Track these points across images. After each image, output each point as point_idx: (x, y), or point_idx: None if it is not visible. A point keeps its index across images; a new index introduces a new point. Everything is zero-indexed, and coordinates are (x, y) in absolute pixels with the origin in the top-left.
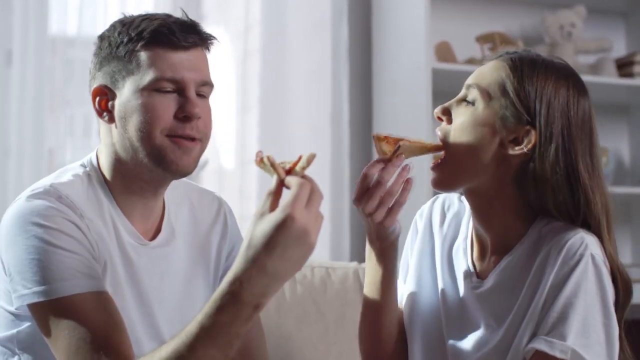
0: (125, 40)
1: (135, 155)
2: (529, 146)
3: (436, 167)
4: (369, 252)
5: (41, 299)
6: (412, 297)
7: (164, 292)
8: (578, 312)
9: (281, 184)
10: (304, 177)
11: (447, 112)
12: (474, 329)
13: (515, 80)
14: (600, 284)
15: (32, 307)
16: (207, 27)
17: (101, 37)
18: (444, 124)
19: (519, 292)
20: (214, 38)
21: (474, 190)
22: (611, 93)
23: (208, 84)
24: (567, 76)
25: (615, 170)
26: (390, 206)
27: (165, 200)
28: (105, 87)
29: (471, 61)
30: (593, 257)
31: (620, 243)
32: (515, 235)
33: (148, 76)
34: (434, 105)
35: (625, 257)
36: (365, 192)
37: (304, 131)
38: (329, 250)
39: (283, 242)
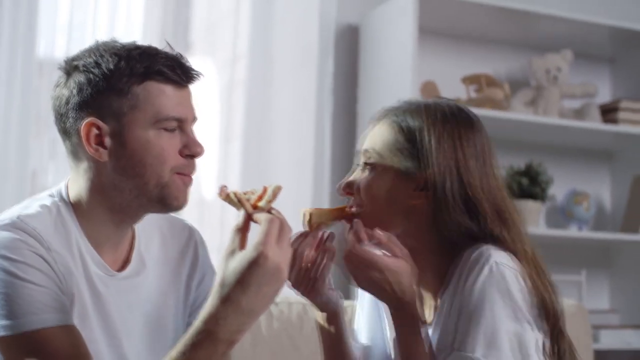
0: (127, 73)
1: (133, 189)
2: (433, 188)
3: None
4: (318, 318)
5: (8, 333)
6: (366, 352)
7: (133, 324)
8: (485, 322)
9: (249, 219)
10: (270, 210)
11: (351, 185)
12: None
13: (403, 134)
14: (507, 291)
15: None
16: (194, 57)
17: (85, 66)
18: (352, 198)
19: (446, 317)
20: (202, 75)
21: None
22: (595, 138)
23: (195, 119)
24: (452, 114)
25: (596, 215)
26: (313, 277)
27: (134, 229)
28: (101, 121)
29: (457, 102)
30: (497, 264)
31: (599, 289)
32: (445, 274)
33: (154, 114)
34: None
35: (602, 302)
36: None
37: (286, 164)
38: None
39: (257, 280)
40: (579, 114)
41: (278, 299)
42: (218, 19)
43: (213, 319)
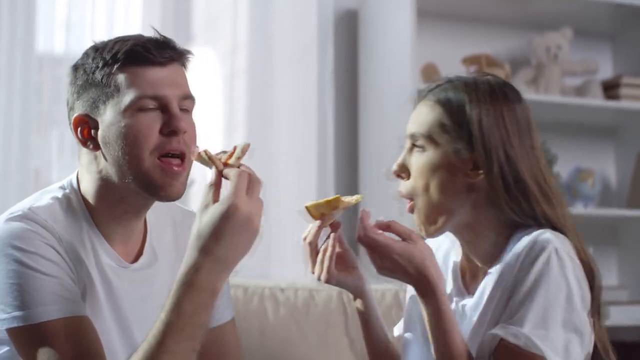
0: (101, 64)
1: (123, 180)
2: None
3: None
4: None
5: (20, 324)
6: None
7: (145, 315)
8: (538, 302)
9: (220, 175)
10: (239, 167)
11: (403, 168)
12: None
13: (449, 114)
14: (564, 278)
15: (11, 331)
16: (195, 48)
17: (75, 67)
18: (403, 182)
19: (492, 292)
20: (190, 52)
21: (459, 227)
22: (597, 115)
23: (189, 98)
24: (493, 90)
25: (601, 192)
26: (322, 263)
27: (147, 221)
28: (86, 115)
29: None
30: (556, 250)
31: (607, 265)
32: (500, 250)
33: (129, 96)
34: None
35: (611, 278)
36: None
37: (289, 151)
38: None
39: (229, 230)
40: (581, 91)
41: (284, 284)
42: (218, 9)
43: (192, 269)
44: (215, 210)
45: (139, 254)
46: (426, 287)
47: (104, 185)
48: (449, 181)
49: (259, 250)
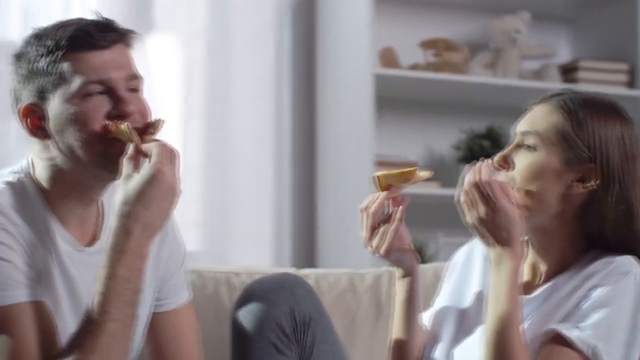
0: (44, 53)
1: (77, 163)
2: (597, 182)
3: None
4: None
5: None
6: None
7: None
8: (606, 317)
9: (138, 150)
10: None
11: (506, 160)
12: None
13: (573, 123)
14: (637, 304)
15: None
16: (156, 35)
17: (18, 56)
18: (503, 172)
19: (556, 295)
20: (133, 32)
21: (535, 229)
22: None
23: (136, 77)
24: (615, 111)
25: None
26: (384, 236)
27: (103, 206)
28: (34, 104)
29: (415, 67)
30: (636, 276)
31: None
32: (569, 262)
33: (75, 83)
34: (377, 111)
35: None
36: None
37: (247, 139)
38: (271, 256)
39: (156, 195)
40: (538, 75)
41: (239, 269)
42: None
43: (123, 236)
44: (142, 176)
45: (94, 237)
46: (506, 256)
47: (58, 172)
48: (550, 186)
49: (217, 235)
